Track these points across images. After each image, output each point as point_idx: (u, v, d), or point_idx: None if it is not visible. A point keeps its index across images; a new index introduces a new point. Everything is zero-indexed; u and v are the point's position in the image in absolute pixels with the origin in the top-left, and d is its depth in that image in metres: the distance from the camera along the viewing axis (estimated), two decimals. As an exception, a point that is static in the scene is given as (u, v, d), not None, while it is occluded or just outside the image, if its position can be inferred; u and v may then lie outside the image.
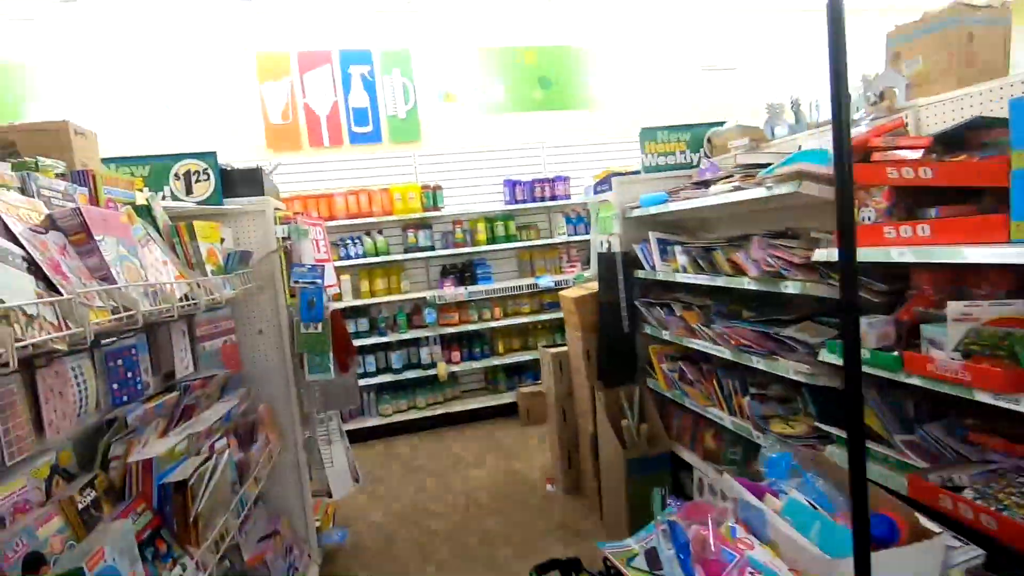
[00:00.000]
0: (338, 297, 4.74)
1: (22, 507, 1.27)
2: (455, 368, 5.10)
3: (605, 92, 5.80)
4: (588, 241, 5.57)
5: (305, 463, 2.79)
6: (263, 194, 2.67)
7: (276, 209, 2.77)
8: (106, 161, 2.52)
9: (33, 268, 1.08)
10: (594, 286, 3.28)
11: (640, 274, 2.96)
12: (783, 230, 2.23)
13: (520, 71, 5.58)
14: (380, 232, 5.09)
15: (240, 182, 2.69)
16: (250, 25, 5.03)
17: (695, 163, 3.15)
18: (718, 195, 2.22)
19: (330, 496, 3.11)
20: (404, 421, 5.00)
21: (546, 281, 5.15)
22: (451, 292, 4.97)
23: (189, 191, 2.57)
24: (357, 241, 4.95)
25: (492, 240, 5.25)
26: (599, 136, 5.71)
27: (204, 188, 2.58)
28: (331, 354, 2.67)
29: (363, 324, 4.96)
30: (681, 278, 2.59)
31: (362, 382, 4.92)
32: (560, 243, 5.49)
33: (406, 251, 5.11)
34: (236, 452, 2.09)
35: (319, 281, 2.64)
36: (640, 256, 2.94)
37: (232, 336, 2.48)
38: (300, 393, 2.76)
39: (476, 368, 5.20)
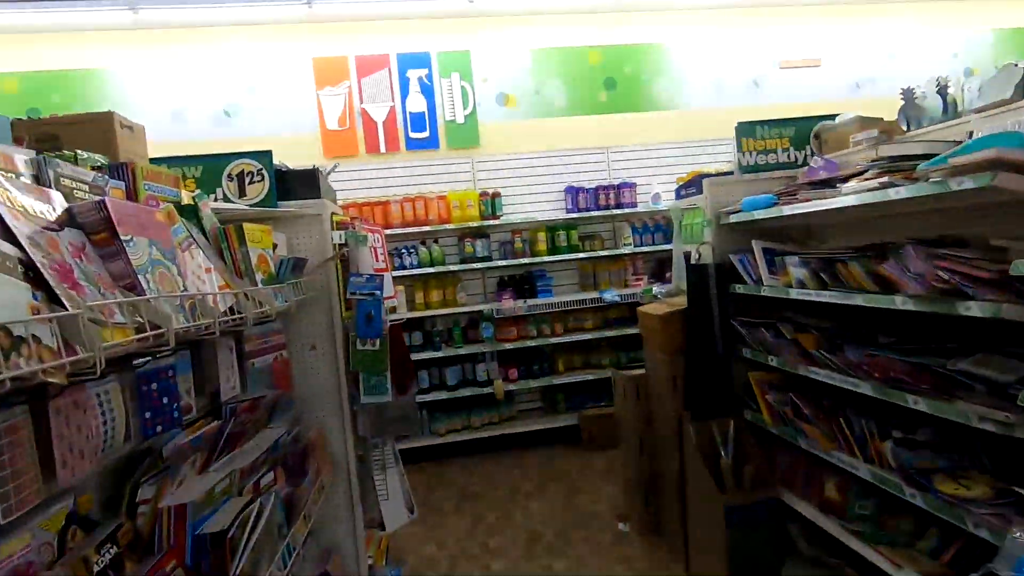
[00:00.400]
0: (393, 310, 4.49)
1: (24, 572, 1.02)
2: (512, 387, 4.78)
3: (675, 93, 5.41)
4: (656, 253, 5.18)
5: (359, 495, 2.52)
6: (320, 196, 2.45)
7: (333, 214, 2.54)
8: (156, 161, 2.36)
9: (32, 274, 0.83)
10: (678, 302, 2.90)
11: (739, 289, 2.57)
12: (935, 237, 1.81)
13: (584, 72, 5.27)
14: (436, 241, 4.86)
15: (295, 183, 2.47)
16: (308, 30, 4.94)
17: (800, 162, 2.74)
18: (858, 194, 1.81)
19: (383, 528, 2.83)
20: (458, 442, 4.71)
21: (611, 295, 4.78)
22: (509, 305, 4.66)
23: (242, 193, 2.37)
24: (412, 250, 4.73)
25: (553, 250, 4.92)
26: (668, 140, 5.32)
27: (258, 189, 2.37)
28: (389, 374, 2.40)
29: (417, 337, 4.72)
30: (796, 294, 2.19)
31: (417, 399, 4.66)
32: (626, 254, 5.11)
33: (462, 261, 4.85)
34: (284, 487, 1.83)
35: (378, 293, 2.38)
36: (740, 268, 2.54)
37: (283, 352, 2.25)
38: (355, 416, 2.49)
39: (534, 387, 4.86)
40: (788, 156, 2.75)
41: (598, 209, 4.98)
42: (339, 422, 2.41)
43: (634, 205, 5.04)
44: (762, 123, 2.74)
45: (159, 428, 1.38)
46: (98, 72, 4.72)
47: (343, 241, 2.46)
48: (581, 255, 4.89)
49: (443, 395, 4.69)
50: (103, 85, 4.73)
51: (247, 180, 2.38)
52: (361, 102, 5.00)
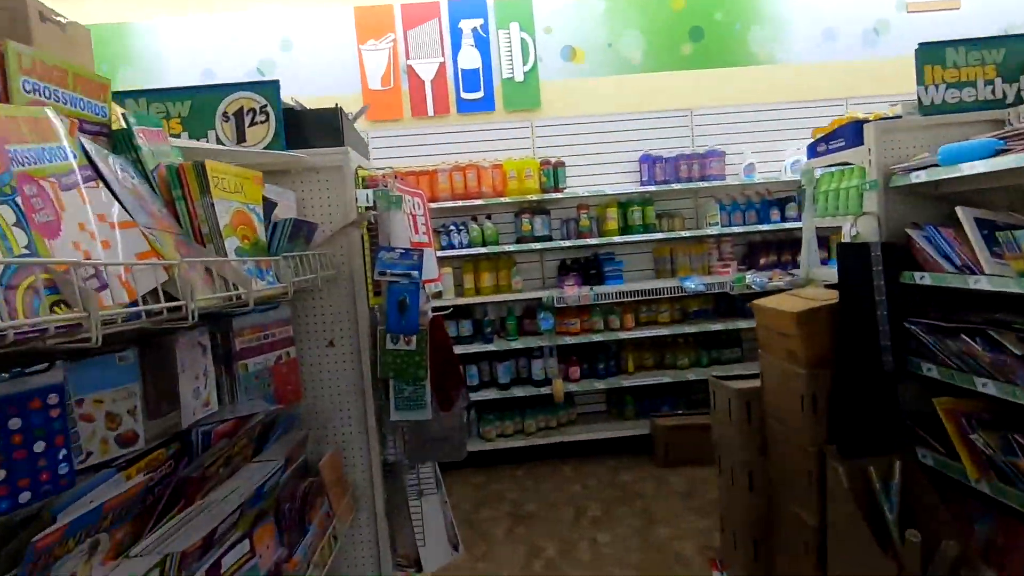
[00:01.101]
0: (437, 296, 3.88)
1: None
2: (573, 387, 4.12)
3: (774, 44, 4.54)
4: (747, 235, 4.37)
5: (387, 536, 1.94)
6: (342, 144, 1.84)
7: (360, 168, 1.93)
8: (136, 94, 1.81)
9: None
10: (813, 295, 2.15)
11: (923, 279, 1.80)
12: None
13: (665, 20, 4.47)
14: (489, 218, 4.22)
15: (311, 127, 1.87)
16: (350, -24, 4.36)
17: (1011, 99, 1.92)
18: None
19: (419, 569, 2.25)
20: (510, 449, 4.10)
21: (693, 284, 4.02)
22: (573, 293, 3.99)
23: (241, 137, 1.79)
24: (461, 228, 4.11)
25: (624, 230, 4.20)
26: (765, 101, 4.47)
27: (261, 133, 1.79)
28: (428, 383, 1.80)
29: (465, 328, 4.12)
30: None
31: (462, 397, 4.08)
32: (710, 236, 4.32)
33: (519, 241, 4.20)
34: (271, 554, 1.25)
35: (415, 273, 1.77)
36: (927, 249, 1.78)
37: (289, 350, 1.68)
38: (384, 438, 1.90)
39: (598, 388, 4.18)
40: (993, 91, 1.93)
41: (679, 182, 4.21)
42: (363, 446, 1.83)
43: (722, 177, 4.24)
44: (956, 44, 1.93)
45: (28, 496, 0.81)
46: (121, 27, 4.31)
47: (371, 204, 1.85)
48: (658, 236, 4.14)
49: (493, 394, 4.08)
50: (125, 40, 4.32)
51: (247, 120, 1.80)
52: (407, 58, 4.39)
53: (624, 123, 4.42)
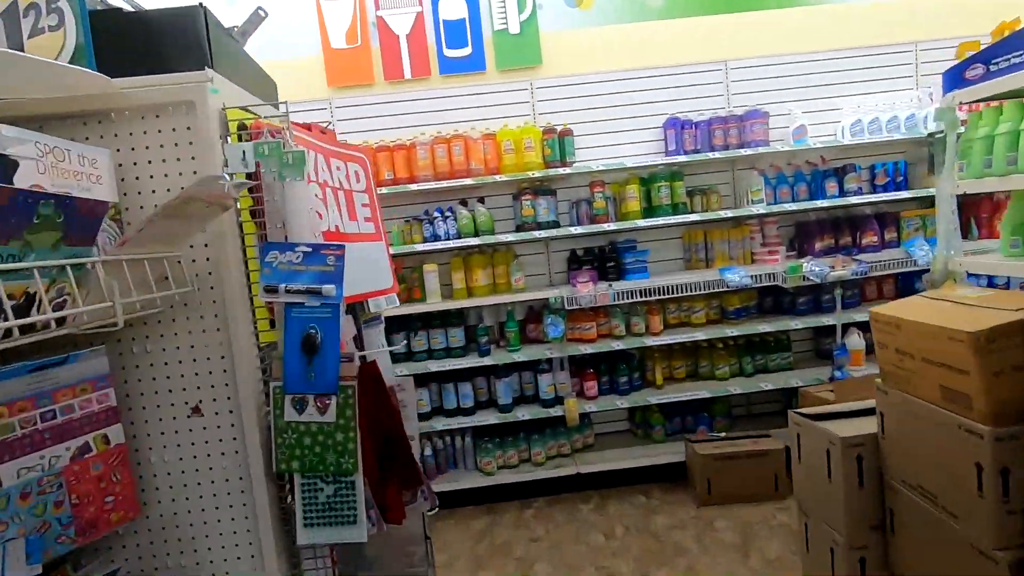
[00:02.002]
0: (374, 321, 3.15)
1: None
2: (590, 406, 3.36)
3: (826, -21, 3.70)
4: (796, 213, 3.57)
5: None
6: (205, 67, 1.06)
7: (230, 109, 1.15)
8: None
9: None
10: (995, 303, 1.37)
11: None
12: None
13: (692, -48, 3.65)
14: (481, 201, 3.44)
15: (150, 42, 1.10)
16: (303, -93, 3.55)
17: None
18: None
19: None
20: (515, 484, 3.36)
21: (737, 276, 3.24)
22: (587, 292, 3.21)
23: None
24: (448, 214, 3.33)
25: (648, 212, 3.41)
26: (817, 49, 3.65)
27: (51, 45, 1.02)
28: (361, 479, 1.04)
29: (456, 337, 3.36)
30: None
31: (456, 423, 3.33)
32: (753, 216, 3.53)
33: (519, 229, 3.42)
34: None
35: (331, 288, 1.00)
36: None
37: (107, 433, 0.93)
38: (297, 563, 1.15)
39: (620, 407, 3.42)
40: None
41: (713, 151, 3.41)
42: (245, 592, 1.08)
43: (765, 144, 3.43)
44: None
45: None
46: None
47: (243, 159, 1.08)
48: (689, 217, 3.34)
49: (492, 418, 3.33)
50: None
51: (25, 26, 1.03)
52: (377, 8, 3.59)
53: (644, 80, 3.61)
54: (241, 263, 1.07)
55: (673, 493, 3.28)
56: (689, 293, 3.33)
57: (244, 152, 1.03)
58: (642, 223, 3.30)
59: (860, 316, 3.36)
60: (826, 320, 3.36)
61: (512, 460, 3.40)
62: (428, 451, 3.37)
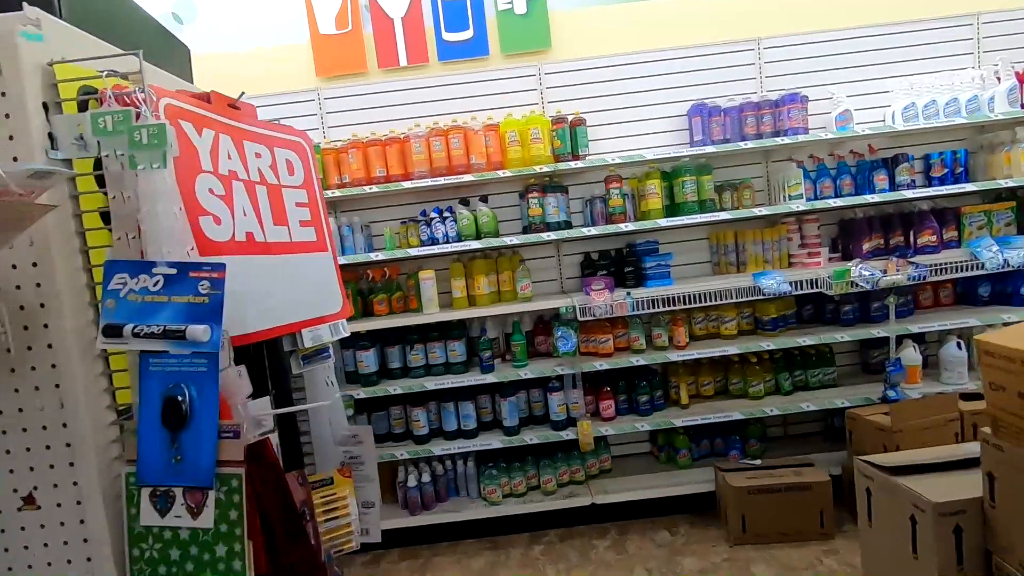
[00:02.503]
0: (316, 356, 2.75)
1: None
2: (606, 428, 3.00)
3: (873, -56, 3.28)
4: (841, 210, 3.16)
5: None
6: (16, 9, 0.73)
7: (63, 67, 0.82)
8: None
9: None
10: None
11: None
12: None
13: (719, -82, 3.26)
14: (484, 200, 3.10)
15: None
16: None
17: None
18: None
19: None
20: (522, 515, 3.01)
21: (775, 282, 2.84)
22: (602, 300, 2.85)
23: None
24: (446, 215, 3.00)
25: (672, 210, 3.04)
26: (865, 22, 3.24)
27: None
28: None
29: (456, 352, 3.02)
30: None
31: (456, 447, 2.99)
32: (791, 213, 3.13)
33: (526, 230, 3.08)
34: None
35: (204, 334, 0.66)
36: None
37: None
38: None
39: (641, 430, 3.03)
40: None
41: (744, 140, 3.02)
42: None
43: (803, 131, 3.03)
44: None
45: None
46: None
47: (87, 143, 0.74)
48: (720, 216, 2.95)
49: (496, 441, 2.98)
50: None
51: None
52: (369, -11, 3.27)
53: (666, 63, 3.23)
54: (85, 292, 0.74)
55: (701, 528, 2.90)
56: (718, 302, 2.94)
57: (80, 127, 0.69)
58: (664, 223, 2.92)
59: (916, 326, 2.94)
60: (877, 332, 2.94)
61: (519, 488, 3.05)
62: (426, 477, 3.04)
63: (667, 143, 3.24)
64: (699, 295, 2.89)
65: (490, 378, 2.94)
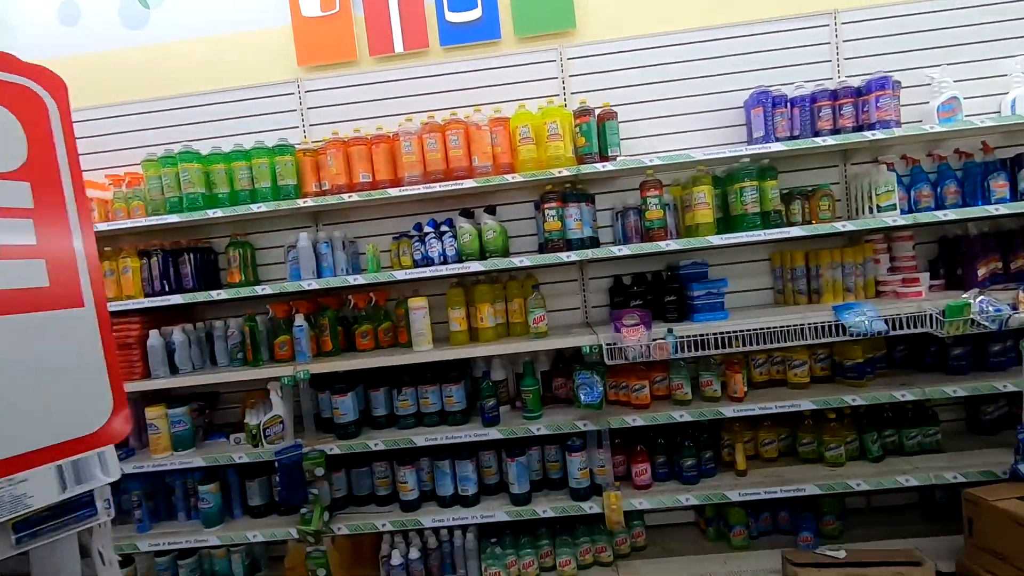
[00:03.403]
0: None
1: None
2: (640, 500, 2.36)
3: None
4: (946, 224, 2.48)
5: None
6: None
7: None
8: None
9: None
10: None
11: None
12: None
13: None
14: (491, 211, 2.52)
15: None
16: None
17: None
18: None
19: None
20: (531, 609, 2.39)
21: (864, 319, 2.18)
22: (637, 338, 2.23)
23: None
24: (444, 229, 2.45)
25: (726, 224, 2.42)
26: (971, -12, 2.58)
27: None
28: None
29: (454, 397, 2.44)
30: None
31: (452, 517, 2.40)
32: (877, 229, 2.47)
33: (542, 248, 2.50)
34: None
35: None
36: None
37: None
38: None
39: (684, 502, 2.38)
40: None
41: (817, 136, 2.38)
42: None
43: (895, 123, 2.36)
44: None
45: None
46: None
47: None
48: (791, 232, 2.30)
49: (502, 512, 2.38)
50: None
51: None
52: (360, -36, 2.78)
53: (717, 44, 2.63)
54: None
55: (765, 637, 2.23)
56: (788, 343, 2.28)
57: None
58: (717, 240, 2.30)
59: (1054, 379, 2.23)
60: (1003, 385, 2.24)
61: (530, 569, 2.44)
62: (415, 553, 2.46)
63: (720, 142, 2.62)
64: (761, 335, 2.25)
65: (494, 433, 2.35)
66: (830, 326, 2.23)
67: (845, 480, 2.28)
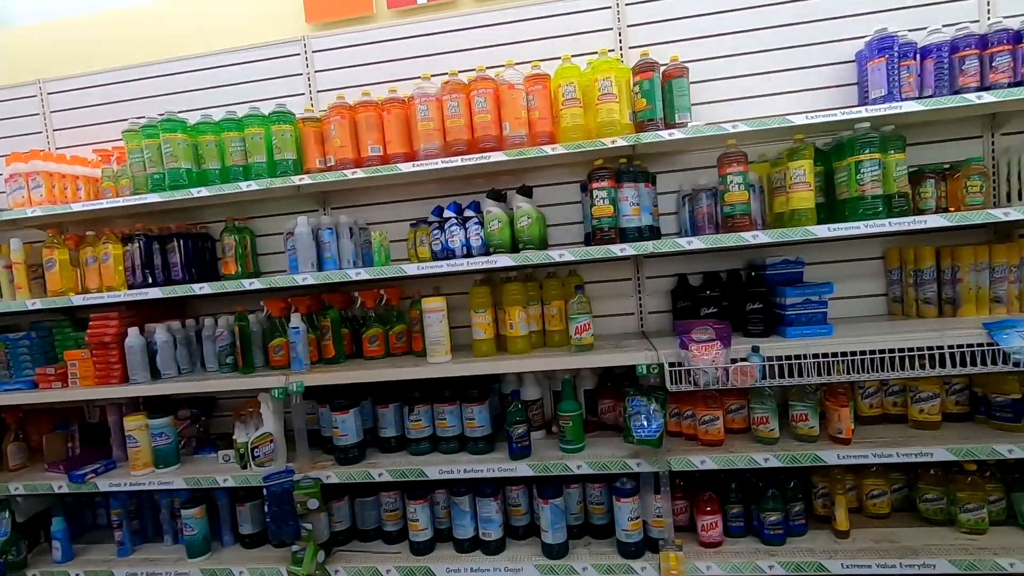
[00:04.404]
0: None
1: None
2: (708, 563, 1.84)
3: None
4: None
5: None
6: None
7: None
8: None
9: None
10: None
11: None
12: None
13: None
14: (526, 193, 2.04)
15: None
16: None
17: None
18: None
19: None
20: None
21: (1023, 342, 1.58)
22: (709, 356, 1.71)
23: None
24: (470, 215, 1.99)
25: (830, 211, 1.86)
26: None
27: None
28: None
29: (474, 420, 1.99)
30: None
31: (471, 567, 1.96)
32: (1046, 220, 1.83)
33: (589, 239, 2.01)
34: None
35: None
36: None
37: None
38: None
39: (767, 570, 1.85)
40: None
41: (958, 94, 1.76)
42: None
43: (1072, 82, 1.73)
44: None
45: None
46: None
47: None
48: (928, 219, 1.70)
49: (531, 565, 1.91)
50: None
51: None
52: (378, -102, 2.34)
53: (821, -22, 2.05)
54: None
55: None
56: (911, 371, 1.70)
57: None
58: (823, 231, 1.74)
59: None
60: None
61: (565, 637, 1.97)
62: (426, 605, 2.03)
63: (822, 106, 2.05)
64: (886, 359, 1.68)
65: (523, 468, 1.89)
66: (983, 351, 1.64)
67: (993, 557, 1.69)
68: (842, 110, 1.76)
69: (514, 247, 1.98)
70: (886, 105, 1.75)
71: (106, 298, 2.12)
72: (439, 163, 1.92)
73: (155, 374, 2.17)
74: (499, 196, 2.04)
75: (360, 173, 1.96)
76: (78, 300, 2.12)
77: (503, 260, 1.89)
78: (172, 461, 2.17)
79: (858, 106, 1.83)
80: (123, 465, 2.25)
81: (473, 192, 2.24)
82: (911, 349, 1.67)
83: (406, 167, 1.93)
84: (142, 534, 2.33)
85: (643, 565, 1.85)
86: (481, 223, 1.98)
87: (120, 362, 2.15)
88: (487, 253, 1.97)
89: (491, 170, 2.07)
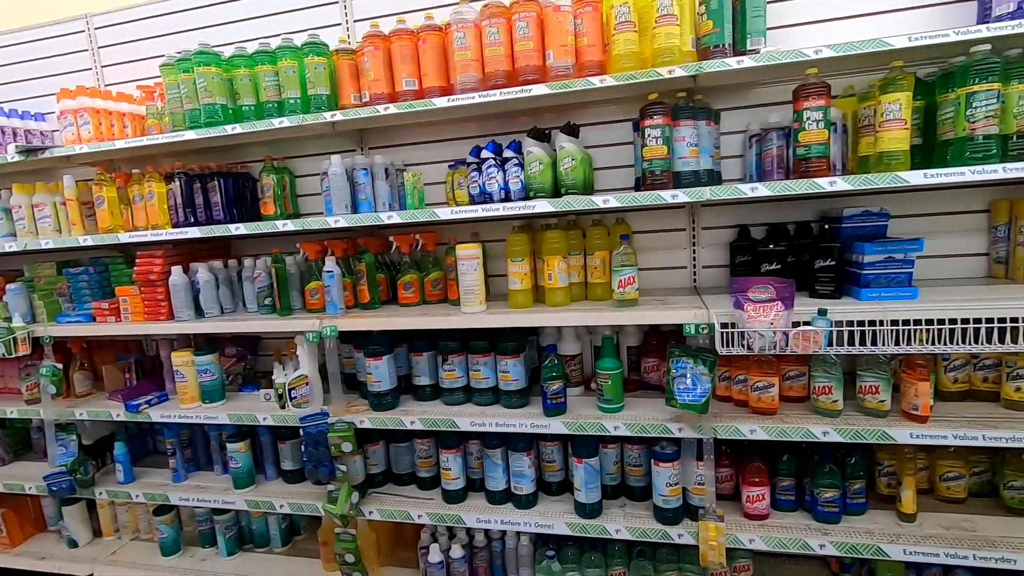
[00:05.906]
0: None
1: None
2: (751, 535, 1.72)
3: None
4: None
5: None
6: None
7: None
8: None
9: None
10: None
11: None
12: None
13: None
14: (571, 131, 1.86)
15: None
16: None
17: None
18: None
19: None
20: (592, 645, 1.90)
21: None
22: (768, 317, 1.53)
23: None
24: (509, 155, 1.84)
25: (925, 156, 1.58)
26: None
27: None
28: None
29: (508, 373, 1.91)
30: None
31: (500, 520, 1.93)
32: None
33: (639, 184, 1.81)
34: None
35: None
36: None
37: None
38: None
39: (817, 549, 1.71)
40: None
41: (1115, 12, 1.41)
42: None
43: None
44: None
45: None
46: None
47: None
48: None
49: (563, 522, 1.86)
50: None
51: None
52: None
53: None
54: None
55: None
56: (1006, 346, 1.46)
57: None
58: (913, 177, 1.48)
59: None
60: None
61: (595, 594, 1.94)
62: (457, 551, 2.05)
63: (927, 28, 1.72)
64: (983, 330, 1.45)
65: (557, 425, 1.81)
66: (1103, 323, 1.38)
67: (1085, 554, 1.49)
68: (955, 30, 1.46)
69: (556, 191, 1.82)
70: (1016, 22, 1.43)
71: (149, 236, 2.15)
72: (476, 97, 1.76)
73: (199, 312, 2.21)
74: (542, 136, 1.87)
75: (393, 109, 1.83)
76: (124, 238, 2.16)
77: (541, 205, 1.74)
78: (217, 397, 2.23)
79: (977, 24, 1.51)
80: (174, 398, 2.35)
81: (515, 132, 2.08)
82: (1013, 319, 1.43)
83: (440, 102, 1.79)
84: (195, 462, 2.45)
85: (680, 532, 1.76)
86: (521, 164, 1.83)
87: (166, 299, 2.19)
88: (527, 198, 1.83)
89: (533, 106, 1.90)
